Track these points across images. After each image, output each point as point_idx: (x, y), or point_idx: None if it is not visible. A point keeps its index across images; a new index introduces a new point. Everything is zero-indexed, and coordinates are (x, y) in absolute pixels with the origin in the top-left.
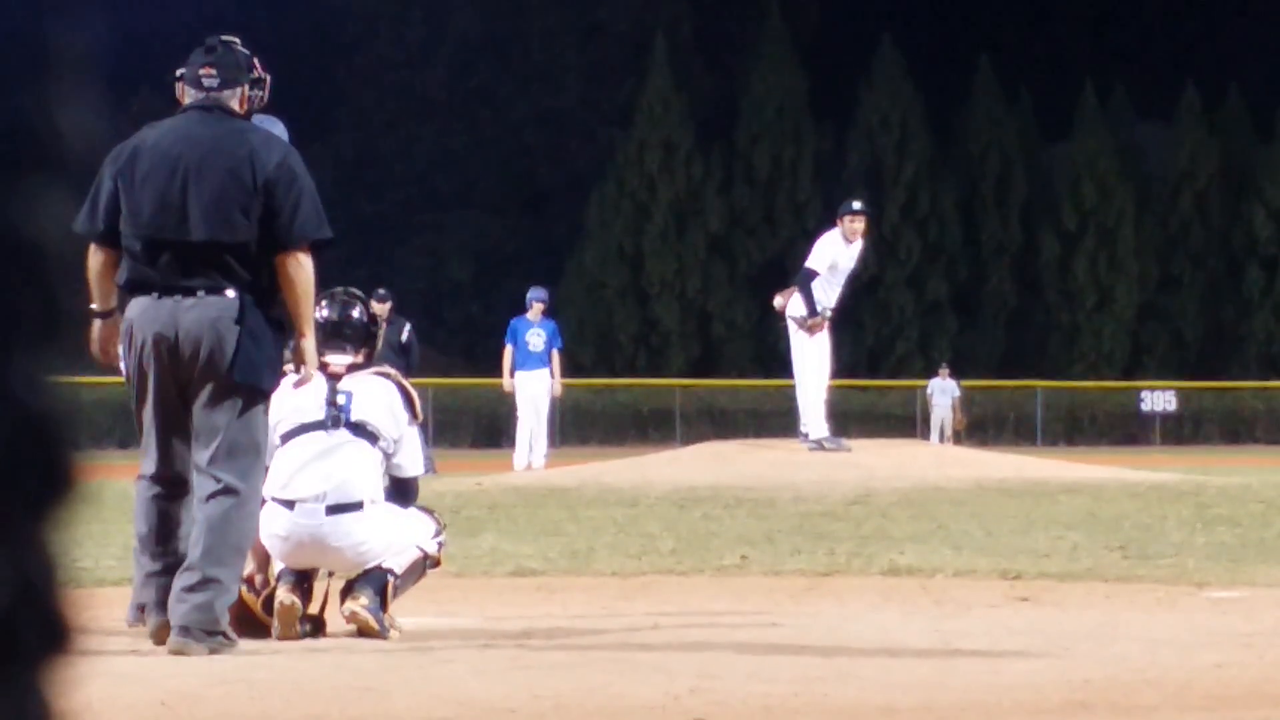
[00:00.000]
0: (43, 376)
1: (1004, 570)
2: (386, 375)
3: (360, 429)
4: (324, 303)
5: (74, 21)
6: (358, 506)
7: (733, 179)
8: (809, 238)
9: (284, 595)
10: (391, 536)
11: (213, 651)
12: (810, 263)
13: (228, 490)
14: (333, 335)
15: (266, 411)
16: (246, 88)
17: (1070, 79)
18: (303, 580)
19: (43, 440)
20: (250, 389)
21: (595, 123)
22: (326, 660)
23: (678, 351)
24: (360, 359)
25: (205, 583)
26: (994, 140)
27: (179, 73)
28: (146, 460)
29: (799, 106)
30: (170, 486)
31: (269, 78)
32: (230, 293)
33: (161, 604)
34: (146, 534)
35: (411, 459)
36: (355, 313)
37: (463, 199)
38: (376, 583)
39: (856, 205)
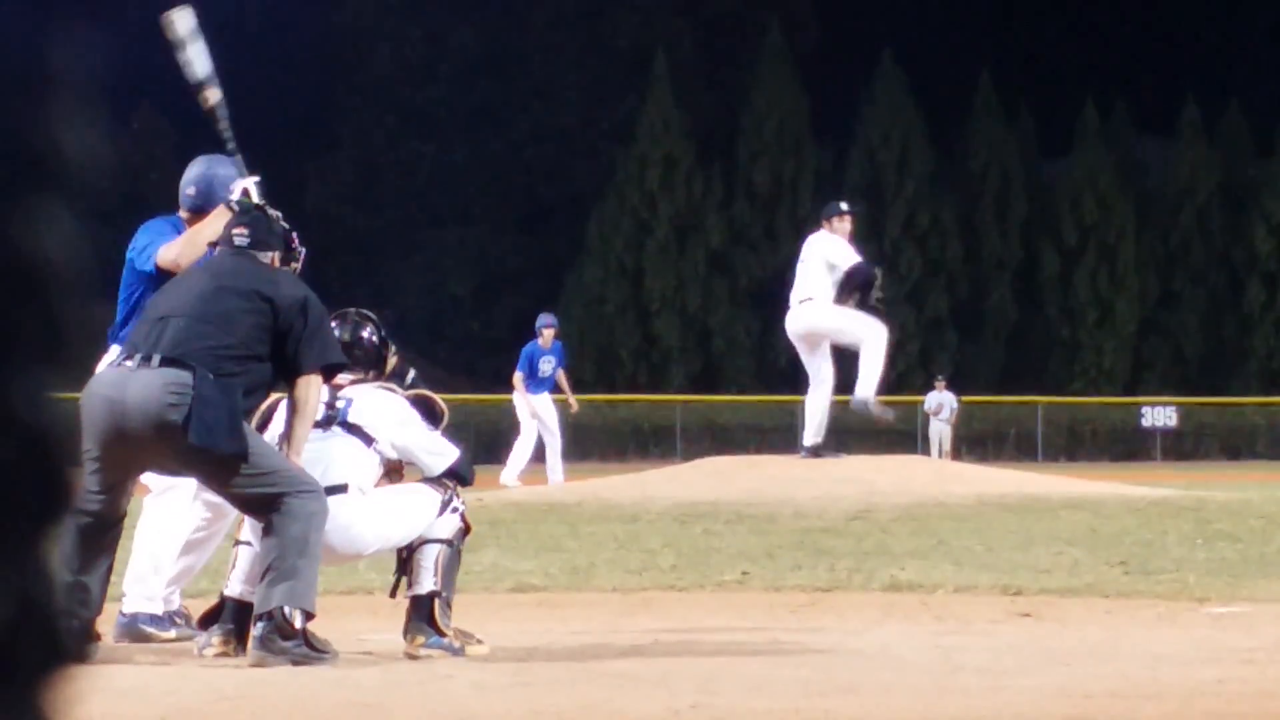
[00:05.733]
0: (44, 394)
1: (1005, 586)
2: (392, 389)
3: (355, 429)
4: (335, 323)
5: (74, 40)
6: (342, 489)
7: (733, 195)
8: None
9: (219, 647)
10: (388, 525)
11: (295, 663)
12: (850, 259)
13: (271, 507)
14: None
15: (245, 459)
16: (278, 255)
17: (1071, 95)
18: (240, 629)
19: (44, 458)
20: (213, 454)
21: (596, 139)
22: (328, 676)
23: (678, 367)
24: (369, 379)
25: (282, 573)
26: (994, 156)
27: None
28: (83, 496)
29: (800, 123)
30: (99, 520)
31: (304, 251)
32: (188, 368)
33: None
34: (68, 559)
35: (435, 456)
36: (366, 333)
37: (463, 216)
38: (423, 614)
39: (844, 206)
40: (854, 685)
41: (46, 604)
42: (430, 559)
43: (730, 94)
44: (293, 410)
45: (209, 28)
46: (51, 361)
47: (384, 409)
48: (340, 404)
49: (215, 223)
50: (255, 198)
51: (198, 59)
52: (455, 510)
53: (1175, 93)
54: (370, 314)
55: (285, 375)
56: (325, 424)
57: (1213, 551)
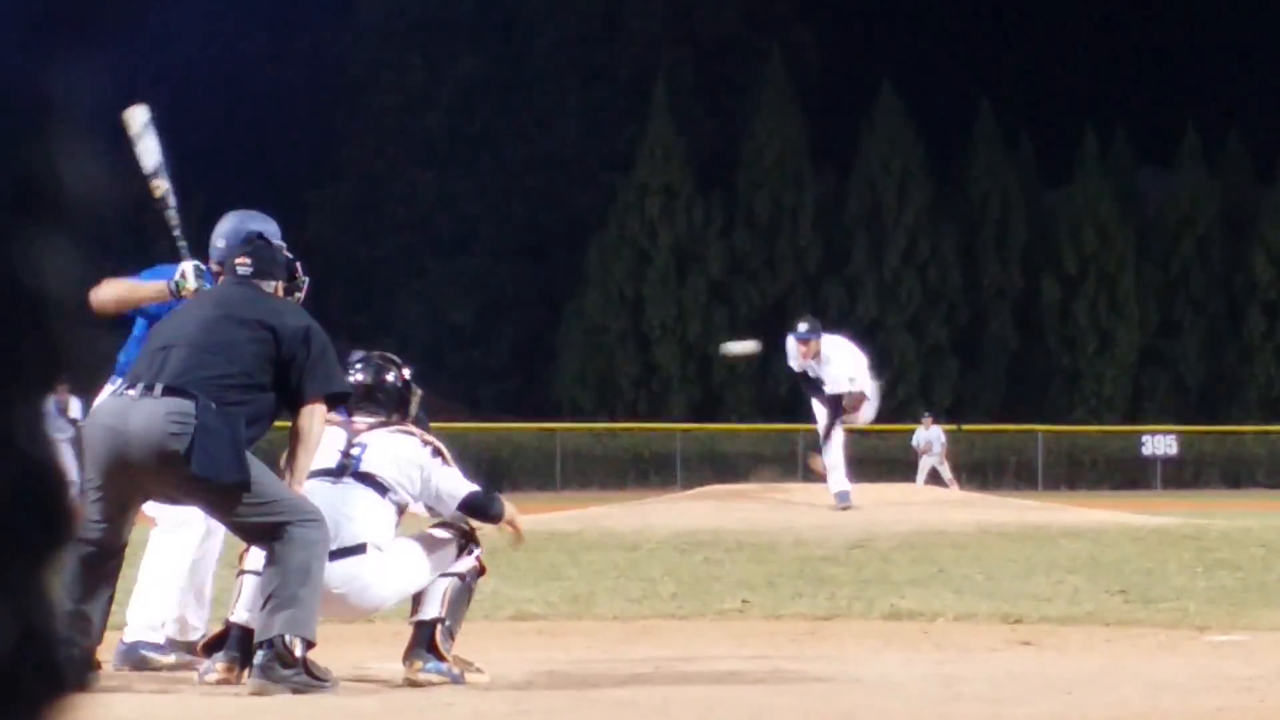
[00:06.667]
0: (44, 423)
1: (1005, 614)
2: (409, 432)
3: (368, 479)
4: (359, 365)
5: (74, 69)
6: (360, 550)
7: (733, 224)
8: (809, 283)
9: (221, 674)
10: (407, 578)
11: (296, 691)
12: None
13: (274, 535)
14: (365, 399)
15: (248, 488)
16: (281, 285)
17: (1071, 124)
18: (245, 657)
19: (44, 488)
20: (216, 484)
21: (596, 167)
22: (328, 704)
23: (679, 396)
24: (392, 422)
25: (283, 601)
26: (995, 185)
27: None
28: (85, 524)
29: (800, 151)
30: (101, 549)
31: (308, 280)
32: (190, 397)
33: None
34: (69, 587)
35: (447, 494)
36: (390, 377)
37: (463, 244)
38: (424, 639)
39: (801, 328)
40: (854, 713)
41: (47, 633)
42: (439, 589)
43: (730, 122)
44: (295, 439)
45: (212, 56)
46: (52, 391)
47: (399, 455)
48: (355, 450)
49: (154, 290)
50: (191, 281)
51: (149, 153)
52: (472, 554)
53: (1175, 121)
54: (394, 357)
55: (288, 405)
56: (339, 473)
57: (1213, 580)
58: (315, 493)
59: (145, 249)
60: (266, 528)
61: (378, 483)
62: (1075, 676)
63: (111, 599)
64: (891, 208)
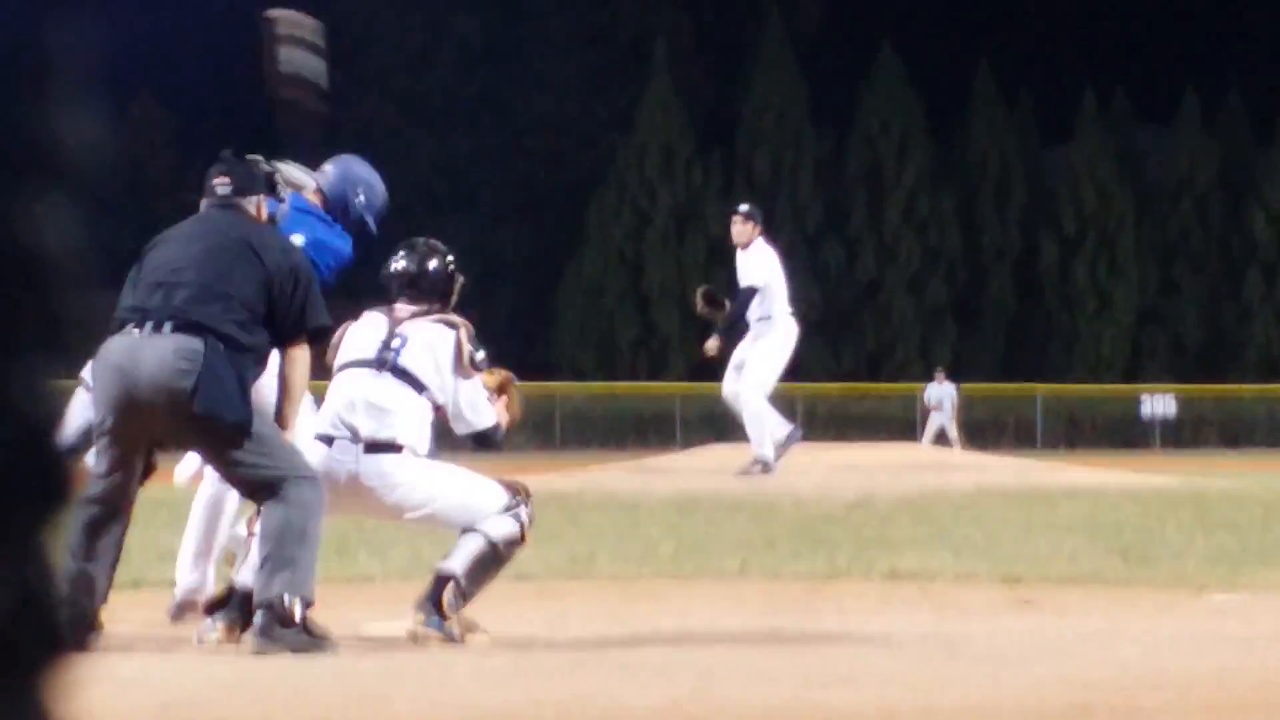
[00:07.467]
0: (43, 384)
1: (1004, 574)
2: (453, 325)
3: (406, 375)
4: (403, 252)
5: (73, 30)
6: (395, 448)
7: (733, 184)
8: (809, 243)
9: (222, 635)
10: (438, 491)
11: (295, 652)
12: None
13: (270, 491)
14: (408, 286)
15: (248, 430)
16: (263, 198)
17: (1070, 84)
18: (247, 618)
19: (42, 448)
20: (218, 423)
21: (596, 128)
22: (328, 665)
23: (678, 356)
24: (434, 310)
25: (281, 562)
26: (994, 145)
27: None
28: (90, 481)
29: (799, 112)
30: (107, 508)
31: (288, 196)
32: (199, 335)
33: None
34: (74, 548)
35: (475, 410)
36: (433, 264)
37: (463, 205)
38: (434, 593)
39: (743, 207)
40: (853, 674)
41: (46, 593)
42: (471, 546)
43: (730, 83)
44: (282, 390)
45: (208, 15)
46: (50, 351)
47: (433, 351)
48: (395, 343)
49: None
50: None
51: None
52: (516, 518)
53: (1175, 81)
54: (439, 244)
55: (275, 342)
56: (378, 365)
57: (1212, 540)
58: (353, 380)
59: (146, 210)
60: (263, 482)
61: (414, 379)
62: (1074, 636)
63: (117, 560)
64: (891, 167)
